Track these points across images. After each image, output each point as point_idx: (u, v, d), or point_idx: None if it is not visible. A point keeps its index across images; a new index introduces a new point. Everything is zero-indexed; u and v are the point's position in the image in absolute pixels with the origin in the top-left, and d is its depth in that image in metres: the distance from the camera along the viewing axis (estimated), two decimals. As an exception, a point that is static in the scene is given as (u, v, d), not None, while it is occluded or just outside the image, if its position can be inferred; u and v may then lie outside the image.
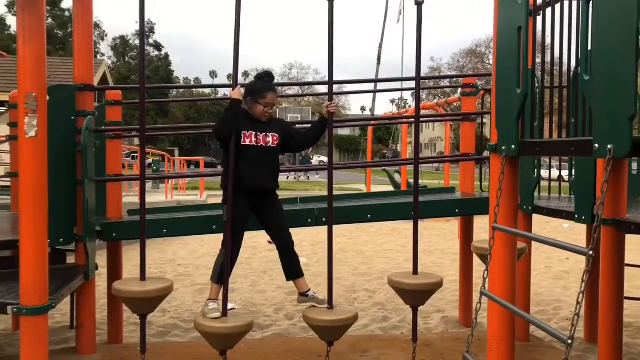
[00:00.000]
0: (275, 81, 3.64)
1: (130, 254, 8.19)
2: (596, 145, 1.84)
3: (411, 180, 15.08)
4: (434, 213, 4.36)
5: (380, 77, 30.90)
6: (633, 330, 4.78)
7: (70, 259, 3.91)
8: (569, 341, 1.74)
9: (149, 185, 20.12)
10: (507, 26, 2.41)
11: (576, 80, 2.66)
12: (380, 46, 37.85)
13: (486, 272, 2.46)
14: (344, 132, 64.29)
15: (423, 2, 3.56)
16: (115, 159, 4.45)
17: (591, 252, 1.77)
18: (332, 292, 3.49)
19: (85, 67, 3.86)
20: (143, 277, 3.42)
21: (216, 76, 72.20)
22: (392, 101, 64.64)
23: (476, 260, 4.53)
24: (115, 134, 4.42)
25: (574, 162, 3.59)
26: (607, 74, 1.77)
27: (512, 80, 2.37)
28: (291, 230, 3.66)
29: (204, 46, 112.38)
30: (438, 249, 9.42)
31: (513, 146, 2.38)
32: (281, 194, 3.87)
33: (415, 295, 3.55)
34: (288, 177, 35.56)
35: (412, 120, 4.27)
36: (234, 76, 3.35)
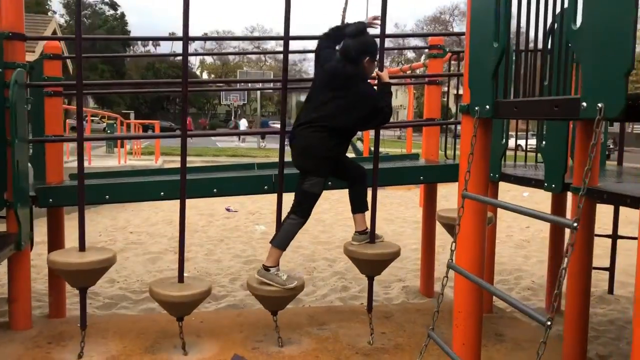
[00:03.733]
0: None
1: (74, 222, 7.77)
2: (584, 104, 1.63)
3: (373, 148, 15.12)
4: (397, 180, 4.15)
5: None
6: (592, 300, 4.76)
7: (2, 227, 3.56)
8: (548, 322, 1.55)
9: (102, 149, 19.43)
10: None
11: (552, 37, 2.45)
12: (344, 11, 37.35)
13: (454, 244, 2.26)
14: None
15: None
16: (55, 119, 4.06)
17: (575, 224, 1.58)
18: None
19: (13, 12, 3.42)
20: (82, 246, 3.12)
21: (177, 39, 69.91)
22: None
23: (439, 229, 4.39)
24: (54, 91, 4.03)
25: (545, 127, 3.42)
26: (600, 20, 1.54)
27: (489, 33, 2.14)
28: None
29: (163, 7, 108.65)
30: (399, 217, 9.33)
31: (487, 106, 2.16)
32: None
33: (372, 265, 3.37)
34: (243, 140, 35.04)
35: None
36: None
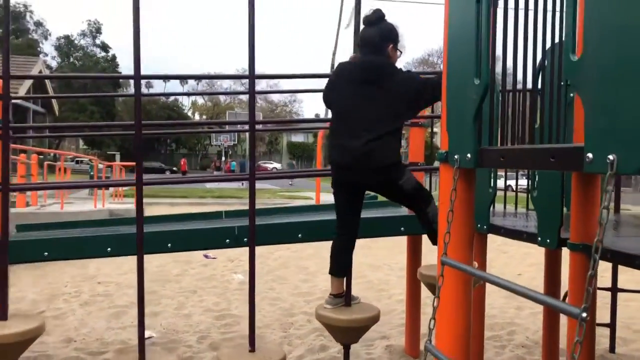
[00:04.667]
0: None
1: (41, 271, 7.29)
2: (589, 155, 1.26)
3: None
4: (376, 232, 3.75)
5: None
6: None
7: None
8: None
9: (85, 192, 18.91)
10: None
11: (543, 73, 2.12)
12: (334, 54, 37.64)
13: (432, 322, 1.85)
14: (298, 138, 63.76)
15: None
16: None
17: (584, 315, 1.19)
18: (254, 331, 2.84)
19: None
20: (4, 315, 2.69)
21: (168, 80, 70.33)
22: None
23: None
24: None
25: (536, 173, 3.05)
26: (609, 47, 1.19)
27: (468, 68, 1.79)
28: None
29: (154, 47, 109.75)
30: (386, 264, 8.88)
31: (469, 155, 1.79)
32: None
33: (347, 333, 2.95)
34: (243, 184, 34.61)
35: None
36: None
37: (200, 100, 68.81)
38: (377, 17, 3.00)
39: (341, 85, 3.03)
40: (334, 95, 3.07)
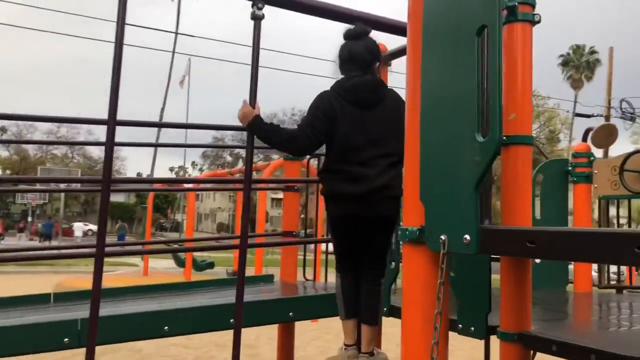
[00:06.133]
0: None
1: None
2: None
3: (200, 256, 13.45)
4: (256, 320, 3.02)
5: (161, 141, 29.36)
6: None
7: None
8: None
9: None
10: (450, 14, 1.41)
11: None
12: (162, 110, 36.43)
13: None
14: (118, 198, 59.61)
15: (262, 17, 2.47)
16: None
17: None
18: None
19: None
20: None
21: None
22: (171, 169, 62.42)
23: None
24: None
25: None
26: None
27: (466, 117, 1.33)
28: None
29: None
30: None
31: (468, 236, 1.31)
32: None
33: None
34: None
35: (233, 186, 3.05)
36: None
37: (4, 152, 61.53)
38: (363, 30, 2.63)
39: (345, 109, 2.62)
40: (338, 121, 2.62)
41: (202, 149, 48.28)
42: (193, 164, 55.54)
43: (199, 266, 11.44)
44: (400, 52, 3.04)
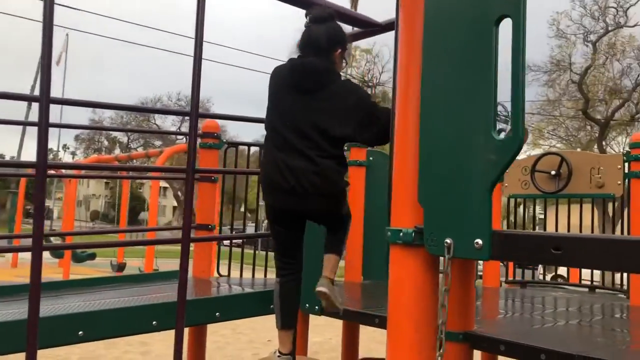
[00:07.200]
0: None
1: None
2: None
3: (79, 249, 12.38)
4: (191, 320, 2.75)
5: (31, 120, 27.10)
6: None
7: None
8: None
9: None
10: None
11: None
12: (33, 88, 33.43)
13: None
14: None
15: None
16: None
17: None
18: None
19: None
20: None
21: None
22: (40, 152, 57.46)
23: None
24: None
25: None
26: None
27: (475, 116, 1.23)
28: None
29: None
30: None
31: (479, 241, 1.21)
32: None
33: None
34: None
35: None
36: None
37: None
38: (328, 15, 2.42)
39: (281, 92, 2.45)
40: (272, 104, 2.47)
41: (78, 130, 44.73)
42: (65, 147, 51.39)
43: (79, 257, 10.58)
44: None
